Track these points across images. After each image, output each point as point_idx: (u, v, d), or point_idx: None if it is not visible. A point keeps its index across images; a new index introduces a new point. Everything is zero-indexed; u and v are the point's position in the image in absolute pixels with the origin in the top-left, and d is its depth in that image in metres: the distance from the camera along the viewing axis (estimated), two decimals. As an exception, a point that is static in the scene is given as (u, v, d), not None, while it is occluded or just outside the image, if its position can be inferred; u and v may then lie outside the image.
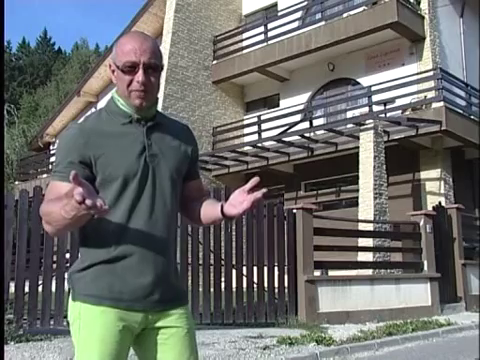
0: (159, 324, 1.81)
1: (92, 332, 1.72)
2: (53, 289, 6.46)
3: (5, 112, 22.55)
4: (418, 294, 9.38)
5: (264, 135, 15.95)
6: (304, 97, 17.05)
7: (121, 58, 1.78)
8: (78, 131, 1.79)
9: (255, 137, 16.20)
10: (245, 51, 17.68)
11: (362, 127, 12.88)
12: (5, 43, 43.85)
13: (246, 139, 16.92)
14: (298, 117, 15.69)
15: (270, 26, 17.07)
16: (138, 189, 1.77)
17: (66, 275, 6.51)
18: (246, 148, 15.76)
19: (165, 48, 16.76)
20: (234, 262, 7.64)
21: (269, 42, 16.99)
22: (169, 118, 2.00)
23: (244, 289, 7.63)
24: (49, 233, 1.72)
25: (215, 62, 18.10)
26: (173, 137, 1.90)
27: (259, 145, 15.35)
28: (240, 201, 1.75)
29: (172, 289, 1.84)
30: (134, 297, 1.75)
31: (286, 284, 8.01)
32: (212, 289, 7.42)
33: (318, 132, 14.79)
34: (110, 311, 1.73)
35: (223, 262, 7.57)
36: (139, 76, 1.76)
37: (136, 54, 1.76)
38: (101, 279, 1.74)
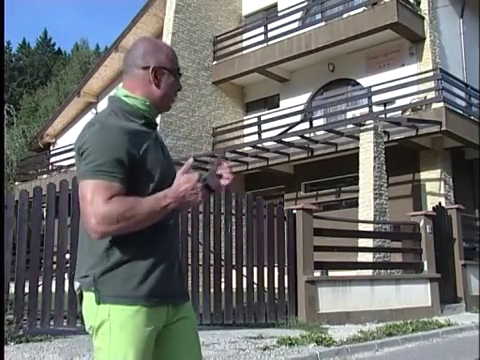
0: (173, 320, 1.87)
1: (125, 333, 1.72)
2: (53, 289, 6.46)
3: (5, 112, 22.54)
4: (418, 294, 9.38)
5: (264, 135, 15.95)
6: (304, 97, 17.05)
7: (173, 63, 1.88)
8: (119, 129, 1.75)
9: (255, 137, 16.20)
10: (245, 52, 17.68)
11: (362, 128, 12.87)
12: (5, 43, 43.87)
13: (246, 139, 16.92)
14: (298, 117, 15.69)
15: (270, 27, 17.07)
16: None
17: (67, 275, 6.53)
18: (246, 149, 15.75)
19: (165, 48, 16.73)
20: (234, 262, 7.64)
21: (269, 43, 16.99)
22: None
23: (244, 289, 7.63)
24: (107, 233, 1.69)
25: (215, 63, 18.10)
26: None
27: (259, 145, 15.34)
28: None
29: (183, 284, 1.94)
30: (163, 293, 1.79)
31: (286, 284, 8.01)
32: (212, 290, 7.43)
33: (318, 132, 14.80)
34: (143, 311, 1.74)
35: (223, 262, 7.57)
36: (179, 84, 1.90)
37: (177, 63, 1.91)
38: (132, 279, 1.74)
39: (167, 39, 16.83)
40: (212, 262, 7.50)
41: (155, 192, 1.74)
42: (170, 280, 1.82)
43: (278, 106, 17.47)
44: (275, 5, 18.42)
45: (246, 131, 17.32)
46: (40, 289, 6.41)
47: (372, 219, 11.67)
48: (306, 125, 15.18)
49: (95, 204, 1.66)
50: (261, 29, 17.45)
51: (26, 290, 6.32)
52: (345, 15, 15.42)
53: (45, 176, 20.79)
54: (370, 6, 14.83)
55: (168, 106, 1.90)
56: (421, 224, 9.89)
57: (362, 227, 11.12)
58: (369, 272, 10.13)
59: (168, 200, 1.70)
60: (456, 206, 11.18)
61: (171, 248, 1.86)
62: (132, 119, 1.82)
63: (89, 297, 1.76)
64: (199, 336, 1.98)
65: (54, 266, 6.62)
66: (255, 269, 7.80)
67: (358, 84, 16.04)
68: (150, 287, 1.76)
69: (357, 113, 14.15)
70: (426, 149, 13.97)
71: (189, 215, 7.36)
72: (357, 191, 12.80)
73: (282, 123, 15.48)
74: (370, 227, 11.12)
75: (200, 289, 7.34)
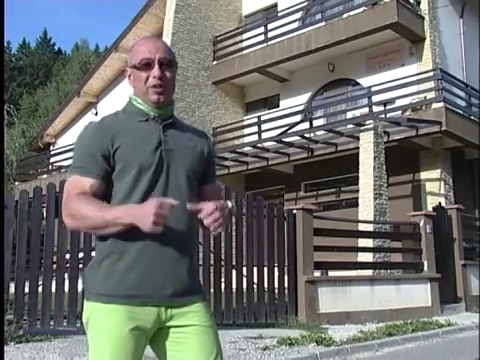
0: (175, 323, 1.80)
1: (103, 331, 1.73)
2: (53, 289, 6.45)
3: (5, 113, 22.52)
4: (418, 294, 9.38)
5: (264, 136, 15.93)
6: (304, 97, 17.04)
7: (137, 57, 1.86)
8: (97, 127, 1.85)
9: (255, 138, 16.19)
10: (245, 52, 17.68)
11: (362, 128, 12.88)
12: (5, 43, 43.85)
13: (246, 140, 16.91)
14: (298, 117, 15.69)
15: (270, 27, 17.07)
16: (151, 182, 1.79)
17: (67, 275, 6.53)
18: (246, 149, 15.75)
19: (165, 48, 16.74)
20: (234, 262, 7.64)
21: (269, 43, 16.99)
22: (186, 123, 2.06)
23: (244, 289, 7.63)
24: (69, 226, 1.78)
25: (215, 63, 18.10)
26: (189, 137, 1.94)
27: (259, 146, 15.35)
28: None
29: (186, 284, 1.82)
30: (146, 293, 1.75)
31: (286, 284, 8.01)
32: (212, 289, 7.42)
33: (318, 132, 14.80)
34: (120, 309, 1.73)
35: (223, 262, 7.56)
36: (155, 71, 1.83)
37: (150, 52, 1.85)
38: (111, 277, 1.75)
39: (167, 39, 16.82)
40: (212, 262, 7.49)
41: (134, 187, 1.78)
42: (159, 281, 1.76)
43: (278, 106, 17.47)
44: (275, 5, 18.42)
45: (246, 131, 17.31)
46: (40, 289, 6.41)
47: (372, 219, 11.67)
48: (306, 125, 15.16)
49: (65, 197, 1.78)
50: (261, 29, 17.44)
51: (26, 290, 6.32)
52: (345, 15, 15.42)
53: (45, 176, 20.79)
54: (370, 6, 14.83)
55: (152, 98, 1.85)
56: (421, 224, 9.89)
57: (362, 227, 11.12)
58: (369, 272, 10.13)
59: (122, 219, 1.68)
60: (456, 206, 11.18)
61: (166, 247, 1.77)
62: (132, 117, 1.88)
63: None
64: (219, 343, 1.84)
65: (54, 266, 6.61)
66: (255, 269, 7.80)
67: (358, 84, 16.04)
68: (128, 286, 1.74)
69: (357, 113, 14.14)
70: (426, 149, 13.97)
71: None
72: (357, 191, 12.80)
73: (282, 123, 15.47)
74: (370, 227, 11.12)
75: (200, 289, 7.32)
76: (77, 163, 1.81)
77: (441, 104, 13.09)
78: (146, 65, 1.84)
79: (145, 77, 1.84)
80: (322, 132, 14.51)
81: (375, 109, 13.93)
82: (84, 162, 1.79)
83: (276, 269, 7.98)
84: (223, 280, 7.54)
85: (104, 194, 1.79)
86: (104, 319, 1.73)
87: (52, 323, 6.32)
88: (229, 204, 1.81)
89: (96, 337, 1.75)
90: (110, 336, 1.72)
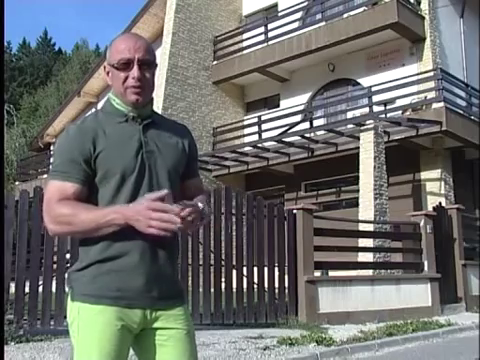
0: (158, 325, 1.81)
1: (91, 332, 1.73)
2: (53, 289, 6.46)
3: (5, 112, 22.54)
4: (418, 294, 9.38)
5: (264, 135, 15.95)
6: (304, 97, 17.05)
7: (116, 56, 1.81)
8: (77, 130, 1.81)
9: (255, 137, 16.20)
10: (245, 51, 17.68)
11: (362, 127, 12.88)
12: (5, 43, 43.85)
13: (246, 139, 16.93)
14: (298, 117, 15.70)
15: (270, 26, 17.07)
16: (135, 186, 1.78)
17: (66, 275, 6.53)
18: (246, 148, 15.76)
19: (165, 48, 16.78)
20: (234, 262, 7.64)
21: (269, 42, 16.99)
22: (167, 118, 2.03)
23: (244, 289, 7.63)
24: (55, 233, 1.77)
25: (215, 62, 18.10)
26: (170, 135, 1.92)
27: (259, 145, 15.35)
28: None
29: (170, 287, 1.84)
30: (133, 295, 1.75)
31: (286, 284, 8.01)
32: (212, 289, 7.42)
33: (318, 132, 14.80)
34: (109, 310, 1.73)
35: (223, 262, 7.56)
36: (134, 72, 1.79)
37: (130, 51, 1.80)
38: (99, 278, 1.75)
39: (167, 39, 16.85)
40: (212, 262, 7.49)
41: (118, 192, 1.76)
42: (146, 284, 1.76)
43: (278, 106, 17.47)
44: (275, 5, 18.42)
45: (246, 131, 17.32)
46: (40, 289, 6.41)
47: (372, 219, 11.67)
48: (306, 125, 15.18)
49: (47, 203, 1.76)
50: (261, 29, 17.45)
51: (26, 290, 6.32)
52: (345, 15, 15.42)
53: (45, 176, 20.79)
54: (370, 6, 14.83)
55: (131, 99, 1.81)
56: (421, 224, 9.89)
57: (362, 227, 11.11)
58: (369, 272, 10.13)
59: (112, 215, 1.67)
60: (456, 206, 11.17)
61: (153, 251, 1.77)
62: (111, 117, 1.84)
63: (68, 294, 1.83)
64: (196, 344, 1.88)
65: (54, 266, 6.62)
66: (255, 269, 7.80)
67: (358, 84, 16.03)
68: (117, 288, 1.74)
69: (357, 113, 14.15)
70: (426, 149, 13.97)
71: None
72: (357, 191, 12.80)
73: (282, 123, 15.48)
74: (370, 227, 11.11)
75: (200, 289, 7.34)
76: (58, 168, 1.77)
77: (441, 104, 13.09)
78: (125, 64, 1.79)
79: (124, 77, 1.80)
80: (322, 132, 14.52)
81: (375, 109, 13.94)
82: (65, 167, 1.76)
83: (276, 269, 7.98)
84: (223, 280, 7.54)
85: (87, 198, 1.76)
86: (92, 320, 1.73)
87: (52, 323, 6.32)
88: (200, 205, 1.78)
89: (83, 337, 1.74)
90: (98, 336, 1.72)
